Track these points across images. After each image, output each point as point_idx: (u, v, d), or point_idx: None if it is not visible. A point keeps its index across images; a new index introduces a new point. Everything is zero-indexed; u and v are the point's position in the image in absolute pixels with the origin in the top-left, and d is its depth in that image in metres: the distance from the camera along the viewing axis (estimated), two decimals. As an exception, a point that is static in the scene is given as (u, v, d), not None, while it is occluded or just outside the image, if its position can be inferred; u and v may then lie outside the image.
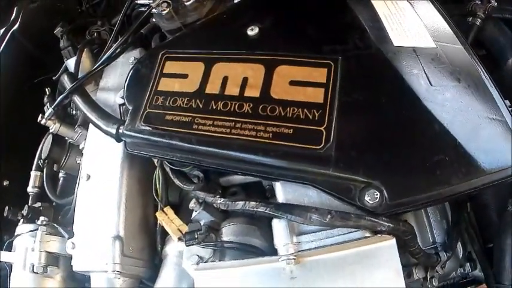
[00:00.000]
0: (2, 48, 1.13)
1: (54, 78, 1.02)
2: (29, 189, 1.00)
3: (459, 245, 0.88)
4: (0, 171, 1.14)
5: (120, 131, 0.72)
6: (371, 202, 0.56)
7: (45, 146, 0.98)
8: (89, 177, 0.80)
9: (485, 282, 0.88)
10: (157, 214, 0.74)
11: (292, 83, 0.65)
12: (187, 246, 0.65)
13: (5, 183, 1.15)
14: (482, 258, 0.89)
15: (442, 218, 0.85)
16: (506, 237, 0.82)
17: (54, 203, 0.97)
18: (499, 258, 0.82)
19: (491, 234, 0.89)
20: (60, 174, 1.04)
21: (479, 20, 0.87)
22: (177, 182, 0.72)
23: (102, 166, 0.80)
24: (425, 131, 0.60)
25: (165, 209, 0.74)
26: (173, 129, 0.66)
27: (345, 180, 0.58)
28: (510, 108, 0.65)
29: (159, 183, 0.76)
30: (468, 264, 0.91)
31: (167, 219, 0.71)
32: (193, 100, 0.67)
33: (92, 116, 0.78)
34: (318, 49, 0.66)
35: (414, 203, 0.57)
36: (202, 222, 0.69)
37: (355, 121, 0.61)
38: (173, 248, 0.74)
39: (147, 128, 0.69)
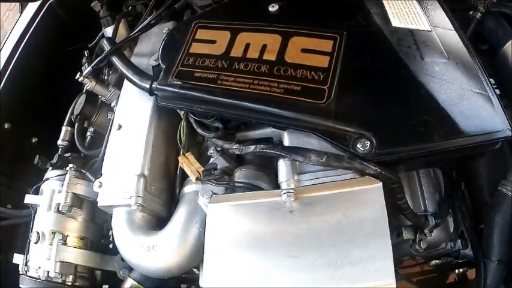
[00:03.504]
0: (39, 17, 1.38)
1: (90, 45, 1.26)
2: (59, 142, 1.22)
3: (451, 220, 1.06)
4: (30, 129, 1.38)
5: (154, 85, 0.94)
6: (362, 149, 0.75)
7: (78, 103, 1.21)
8: (120, 126, 1.02)
9: (474, 257, 1.04)
10: (180, 158, 0.94)
11: (304, 50, 0.86)
12: (203, 181, 0.85)
13: (34, 140, 1.39)
14: (472, 235, 1.05)
15: (435, 191, 1.03)
16: (495, 215, 0.97)
17: (82, 155, 1.19)
18: (488, 235, 0.98)
19: (483, 215, 1.03)
20: (88, 133, 1.27)
21: (479, 14, 1.07)
22: (199, 130, 0.93)
23: (133, 117, 1.02)
24: (413, 95, 0.79)
25: (186, 154, 0.94)
26: (201, 83, 0.88)
27: (341, 131, 0.77)
28: (494, 86, 0.84)
29: (183, 132, 0.97)
30: (459, 241, 1.08)
31: (188, 162, 0.92)
32: (219, 61, 0.89)
33: (128, 73, 1.00)
34: (327, 24, 0.88)
35: (399, 153, 0.75)
36: (218, 167, 0.89)
37: (354, 83, 0.81)
38: (190, 188, 0.94)
39: (178, 82, 0.90)
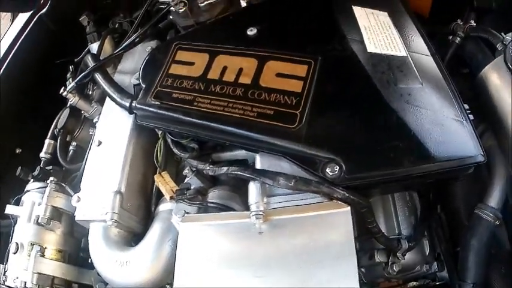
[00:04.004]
0: (29, 28, 1.42)
1: (76, 60, 1.30)
2: (42, 154, 1.26)
3: (426, 243, 1.07)
4: (14, 139, 1.42)
5: (133, 104, 0.97)
6: (331, 174, 0.77)
7: (62, 117, 1.24)
8: (100, 143, 1.05)
9: (449, 280, 1.06)
10: (156, 176, 0.97)
11: (278, 75, 0.89)
12: (176, 201, 0.88)
13: (18, 150, 1.42)
14: (448, 258, 1.07)
15: (410, 214, 1.05)
16: (471, 238, 0.99)
17: (63, 168, 1.22)
18: (463, 258, 0.99)
19: (459, 238, 1.05)
20: (71, 147, 1.31)
21: (458, 39, 1.10)
22: (175, 150, 0.96)
23: (112, 134, 1.05)
24: (385, 121, 0.81)
25: (162, 173, 0.97)
26: (178, 104, 0.91)
27: (311, 155, 0.80)
28: (468, 111, 0.86)
29: (160, 151, 1.00)
30: (436, 263, 1.09)
31: (163, 181, 0.95)
32: (197, 83, 0.92)
33: (109, 91, 1.04)
34: (302, 49, 0.91)
35: (368, 178, 0.77)
36: (192, 187, 0.92)
37: (326, 108, 0.84)
38: (165, 207, 0.97)
39: (156, 102, 0.93)
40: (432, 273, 1.10)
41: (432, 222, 1.09)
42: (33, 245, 1.09)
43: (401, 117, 0.82)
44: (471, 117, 0.85)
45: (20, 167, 1.21)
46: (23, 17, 1.45)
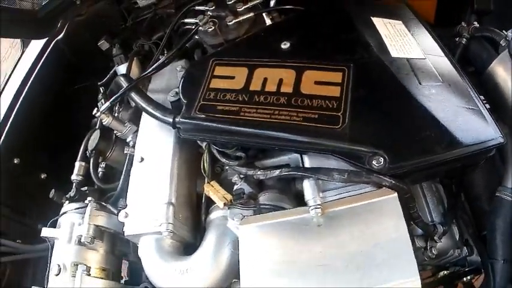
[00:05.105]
0: (46, 54, 1.55)
1: (100, 83, 1.44)
2: (73, 176, 1.36)
3: (455, 228, 1.25)
4: (38, 165, 1.53)
5: (177, 119, 1.12)
6: (377, 165, 0.94)
7: (92, 139, 1.36)
8: (142, 159, 1.19)
9: (481, 261, 1.24)
10: (205, 186, 1.11)
11: (316, 82, 1.07)
12: (229, 206, 1.02)
13: (42, 175, 1.53)
14: (476, 240, 1.25)
15: (438, 204, 1.23)
16: (496, 219, 1.17)
17: (96, 188, 1.34)
18: (491, 238, 1.17)
19: (484, 223, 1.23)
20: (99, 168, 1.42)
21: (464, 40, 1.32)
22: (223, 160, 1.11)
23: (155, 150, 1.19)
24: (415, 115, 1.00)
25: (211, 182, 1.11)
26: (224, 116, 1.06)
27: (356, 151, 0.96)
28: (484, 102, 1.06)
29: (206, 162, 1.14)
30: (465, 248, 1.27)
31: (214, 190, 1.08)
32: (240, 95, 1.08)
33: (149, 108, 1.18)
34: (335, 58, 1.09)
35: (409, 166, 0.94)
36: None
37: (363, 108, 1.01)
38: (217, 214, 1.09)
39: (202, 115, 1.08)
40: (462, 258, 1.28)
41: (458, 209, 1.28)
42: (76, 265, 1.17)
43: (429, 110, 1.00)
44: (487, 106, 1.05)
45: (53, 190, 1.31)
46: (36, 44, 1.58)
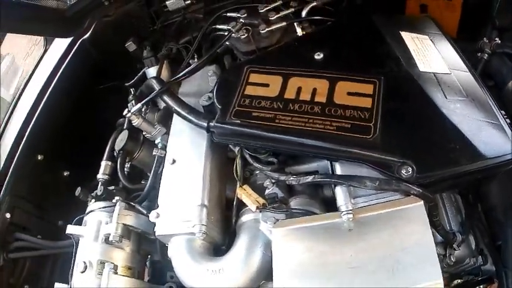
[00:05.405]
0: (72, 53, 1.61)
1: (127, 84, 1.51)
2: (99, 175, 1.42)
3: (471, 238, 1.34)
4: (62, 162, 1.59)
5: (211, 123, 1.19)
6: (406, 174, 1.01)
7: (120, 139, 1.42)
8: (174, 161, 1.25)
9: (495, 270, 1.33)
10: (238, 189, 1.18)
11: (349, 93, 1.15)
12: (262, 210, 1.09)
13: (65, 173, 1.59)
14: (491, 249, 1.34)
15: (457, 213, 1.32)
16: (510, 229, 1.27)
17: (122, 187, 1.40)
18: (505, 248, 1.27)
19: (499, 233, 1.33)
20: (125, 168, 1.49)
21: (486, 55, 1.41)
22: (256, 164, 1.18)
23: (187, 152, 1.26)
24: (441, 127, 1.08)
25: (244, 186, 1.18)
26: (259, 122, 1.14)
27: (387, 160, 1.04)
28: (505, 116, 1.15)
29: (239, 167, 1.21)
30: (480, 257, 1.36)
31: (247, 193, 1.16)
32: (275, 102, 1.16)
33: (183, 112, 1.25)
34: (365, 70, 1.17)
35: (436, 176, 1.03)
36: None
37: (394, 120, 1.09)
38: (249, 217, 1.17)
39: (237, 121, 1.16)
40: (477, 266, 1.37)
41: (474, 219, 1.37)
42: (103, 263, 1.22)
43: (454, 123, 1.09)
44: (508, 120, 1.14)
45: (79, 188, 1.38)
46: (61, 42, 1.64)
